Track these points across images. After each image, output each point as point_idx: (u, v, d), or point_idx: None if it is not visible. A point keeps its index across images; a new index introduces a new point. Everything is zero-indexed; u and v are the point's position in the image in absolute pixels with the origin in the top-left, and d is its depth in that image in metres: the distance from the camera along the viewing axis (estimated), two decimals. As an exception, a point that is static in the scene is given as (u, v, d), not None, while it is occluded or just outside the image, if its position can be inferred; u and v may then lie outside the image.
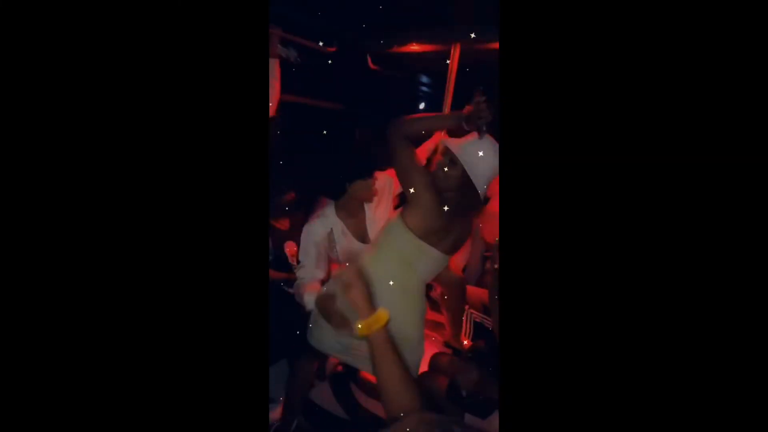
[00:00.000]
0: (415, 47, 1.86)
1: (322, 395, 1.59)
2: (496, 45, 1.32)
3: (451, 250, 1.17)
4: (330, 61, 1.90)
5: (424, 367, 1.35)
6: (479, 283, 1.96)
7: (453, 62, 1.73)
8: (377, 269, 1.06)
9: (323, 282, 1.28)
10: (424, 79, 2.72)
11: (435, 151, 1.46)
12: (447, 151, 1.08)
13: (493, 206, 1.52)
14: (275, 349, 1.57)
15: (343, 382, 1.66)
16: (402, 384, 0.67)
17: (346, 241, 1.32)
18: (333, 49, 1.94)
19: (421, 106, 2.74)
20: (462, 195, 1.08)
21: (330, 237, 1.29)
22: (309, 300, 1.21)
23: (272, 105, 1.33)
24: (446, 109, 1.79)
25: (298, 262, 1.33)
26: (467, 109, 1.02)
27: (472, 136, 1.05)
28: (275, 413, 1.44)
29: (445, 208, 1.06)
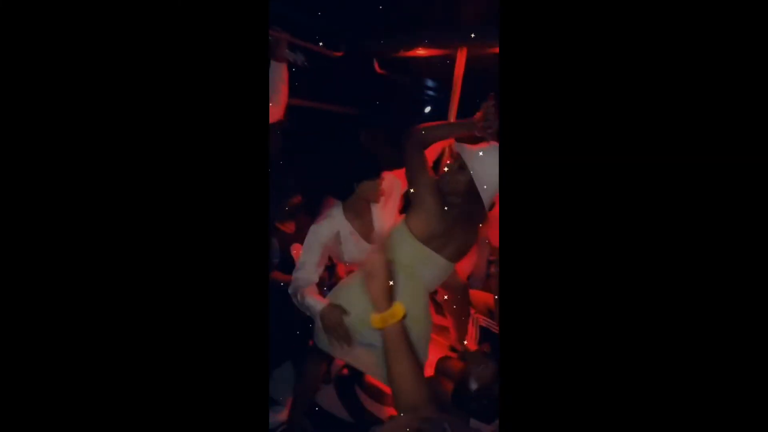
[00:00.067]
0: (421, 51, 1.87)
1: (327, 398, 1.59)
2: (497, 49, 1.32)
3: (456, 257, 1.17)
4: (336, 65, 1.92)
5: (429, 372, 1.35)
6: (485, 288, 1.95)
7: (459, 67, 1.73)
8: None
9: (318, 285, 1.27)
10: (430, 83, 2.72)
11: (443, 153, 1.46)
12: (458, 157, 1.09)
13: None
14: (280, 351, 1.58)
15: (348, 385, 1.66)
16: (413, 378, 0.68)
17: (353, 243, 1.32)
18: (340, 54, 1.95)
19: (427, 109, 2.74)
20: (467, 201, 1.08)
21: (337, 238, 1.29)
22: (313, 304, 1.19)
23: (280, 109, 1.34)
24: (452, 113, 1.79)
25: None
26: (477, 115, 1.02)
27: (485, 144, 1.05)
28: (282, 415, 1.44)
29: (445, 208, 1.07)
